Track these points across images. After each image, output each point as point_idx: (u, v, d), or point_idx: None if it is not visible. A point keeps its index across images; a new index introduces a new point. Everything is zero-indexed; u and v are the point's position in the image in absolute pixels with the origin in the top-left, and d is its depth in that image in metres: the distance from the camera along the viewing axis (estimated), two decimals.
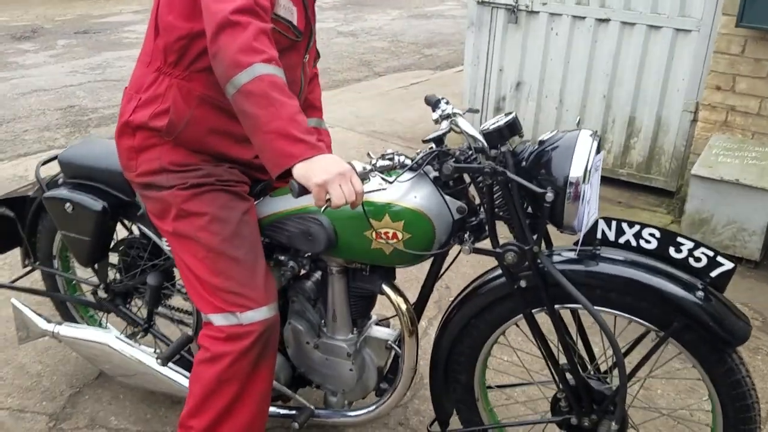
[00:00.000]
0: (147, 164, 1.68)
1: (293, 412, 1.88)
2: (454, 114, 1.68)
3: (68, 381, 2.39)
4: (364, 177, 1.43)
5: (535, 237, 1.51)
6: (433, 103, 1.76)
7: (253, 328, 1.60)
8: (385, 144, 4.78)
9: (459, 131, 1.62)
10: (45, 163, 2.18)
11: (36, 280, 2.57)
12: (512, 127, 1.49)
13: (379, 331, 1.89)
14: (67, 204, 1.97)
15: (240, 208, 1.67)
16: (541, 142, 1.51)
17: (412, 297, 1.79)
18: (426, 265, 1.74)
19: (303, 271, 1.86)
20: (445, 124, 1.67)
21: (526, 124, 4.43)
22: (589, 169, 1.42)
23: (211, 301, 1.63)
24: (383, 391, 1.90)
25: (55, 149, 4.72)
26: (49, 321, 2.17)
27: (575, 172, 1.41)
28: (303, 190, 1.38)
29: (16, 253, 2.37)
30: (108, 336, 2.05)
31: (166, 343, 2.11)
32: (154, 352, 2.04)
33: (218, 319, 1.62)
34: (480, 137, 1.58)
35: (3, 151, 4.69)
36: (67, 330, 2.12)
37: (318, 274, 1.87)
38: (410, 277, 2.65)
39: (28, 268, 2.35)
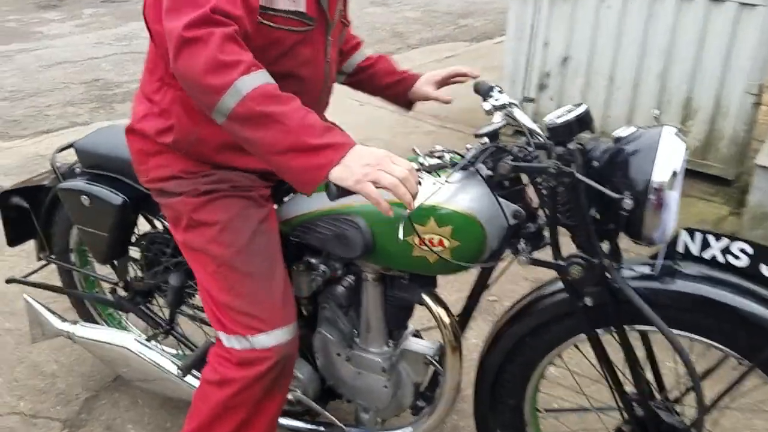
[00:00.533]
0: (157, 170, 1.52)
1: (321, 429, 1.72)
2: (510, 104, 1.47)
3: (84, 383, 2.26)
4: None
5: (603, 249, 1.30)
6: (485, 92, 1.55)
7: (266, 354, 1.44)
8: (418, 123, 4.54)
9: (516, 124, 1.41)
10: (61, 150, 2.02)
11: (48, 273, 2.45)
12: (583, 122, 1.28)
13: (417, 344, 1.70)
14: (84, 197, 1.81)
15: (256, 217, 1.48)
16: (617, 140, 1.29)
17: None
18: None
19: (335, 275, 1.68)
20: (498, 116, 1.46)
21: (573, 103, 4.15)
22: (675, 173, 1.20)
23: (220, 320, 1.46)
24: (420, 409, 1.73)
25: (78, 125, 4.59)
26: (63, 320, 2.04)
27: (660, 176, 1.20)
28: (342, 192, 1.19)
29: (32, 244, 2.24)
30: (127, 338, 1.91)
31: (189, 347, 1.97)
32: (176, 355, 1.89)
33: (229, 341, 1.46)
34: (539, 131, 1.37)
35: (25, 127, 4.56)
36: (83, 330, 1.99)
37: (351, 279, 1.69)
38: (448, 279, 2.45)
39: (43, 262, 2.22)
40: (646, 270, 1.36)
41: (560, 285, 1.43)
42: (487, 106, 1.51)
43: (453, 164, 1.34)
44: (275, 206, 1.60)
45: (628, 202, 1.21)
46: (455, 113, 4.40)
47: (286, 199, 1.63)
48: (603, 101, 3.96)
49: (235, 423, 1.48)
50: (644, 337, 1.46)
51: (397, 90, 1.78)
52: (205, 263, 1.47)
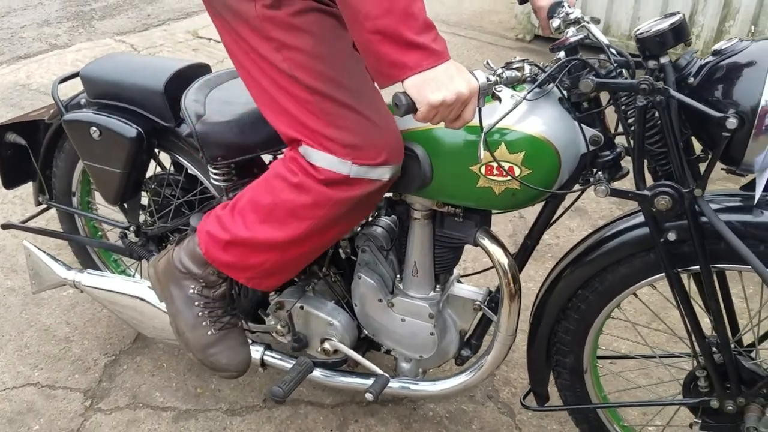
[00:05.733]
0: None
1: (367, 381, 1.59)
2: (583, 20, 1.33)
3: (101, 347, 2.08)
4: (487, 92, 1.09)
5: (695, 177, 1.18)
6: (551, 8, 1.41)
7: (360, 184, 1.25)
8: None
9: (594, 41, 1.27)
10: (64, 80, 1.83)
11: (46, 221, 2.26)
12: (678, 32, 1.13)
13: (464, 290, 1.58)
14: (93, 128, 1.63)
15: (347, 37, 1.22)
16: (715, 53, 1.16)
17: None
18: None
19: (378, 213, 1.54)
20: (572, 31, 1.32)
21: (600, 2, 3.99)
22: None
23: (317, 139, 1.24)
24: (465, 358, 1.61)
25: (58, 48, 4.27)
26: (69, 268, 1.87)
27: None
28: (412, 107, 1.05)
29: (28, 188, 2.05)
30: (140, 287, 1.75)
31: None
32: None
33: (319, 158, 1.25)
34: (613, 49, 1.23)
35: (0, 52, 4.24)
36: (91, 279, 1.82)
37: (391, 219, 1.55)
38: None
39: (43, 206, 2.04)
40: (735, 201, 1.24)
41: (637, 219, 1.31)
42: (555, 22, 1.37)
43: (533, 79, 1.20)
44: None
45: (732, 121, 1.08)
46: (467, 18, 4.16)
47: None
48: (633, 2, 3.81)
49: (292, 229, 1.32)
50: (721, 279, 1.35)
51: None
52: (292, 94, 1.23)
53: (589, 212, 2.70)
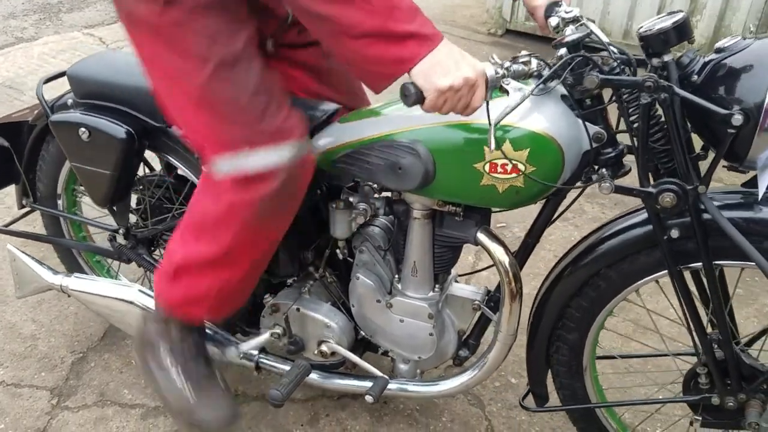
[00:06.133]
0: None
1: (365, 382, 1.57)
2: (582, 18, 1.33)
3: (68, 344, 2.04)
4: (495, 85, 1.09)
5: (698, 174, 1.19)
6: (548, 7, 1.41)
7: (268, 174, 1.23)
8: None
9: (593, 40, 1.27)
10: (49, 80, 1.78)
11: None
12: (681, 30, 1.14)
13: (463, 289, 1.57)
14: (82, 129, 1.59)
15: (244, 32, 1.22)
16: (718, 51, 1.17)
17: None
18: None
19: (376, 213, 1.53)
20: (570, 30, 1.31)
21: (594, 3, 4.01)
22: None
23: (206, 144, 1.26)
24: (463, 358, 1.60)
25: (24, 42, 4.17)
26: (55, 272, 1.82)
27: None
28: (420, 96, 1.04)
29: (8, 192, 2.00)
30: (130, 290, 1.71)
31: None
32: None
33: (221, 164, 1.25)
34: (613, 47, 1.24)
35: None
36: (79, 283, 1.77)
37: (388, 219, 1.54)
38: None
39: (27, 209, 1.98)
40: (738, 198, 1.25)
41: (639, 217, 1.31)
42: (554, 21, 1.36)
43: (539, 74, 1.19)
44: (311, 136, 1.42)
45: (738, 118, 1.09)
46: (439, 13, 4.15)
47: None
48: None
49: (222, 239, 1.31)
50: (721, 276, 1.36)
51: None
52: (183, 89, 1.23)
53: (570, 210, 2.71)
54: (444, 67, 1.01)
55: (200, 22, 1.18)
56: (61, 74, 1.73)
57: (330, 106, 1.49)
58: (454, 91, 1.04)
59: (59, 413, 1.80)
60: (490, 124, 1.11)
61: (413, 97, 1.03)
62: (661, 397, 1.70)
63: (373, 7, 0.98)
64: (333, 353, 1.59)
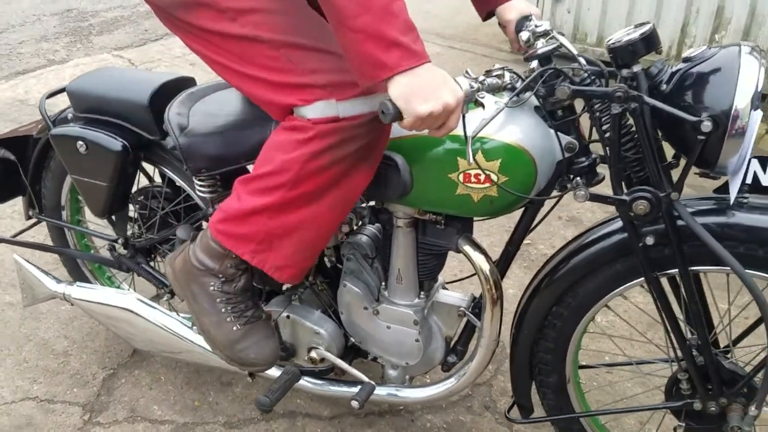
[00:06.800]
0: None
1: (354, 389, 1.60)
2: (552, 31, 1.35)
3: (100, 360, 2.08)
4: (470, 99, 1.11)
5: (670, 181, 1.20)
6: (518, 22, 1.42)
7: (355, 119, 1.21)
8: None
9: (566, 52, 1.29)
10: (51, 95, 1.85)
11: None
12: (649, 41, 1.15)
13: (449, 296, 1.59)
14: (80, 143, 1.65)
15: None
16: (686, 60, 1.18)
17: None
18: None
19: (359, 224, 1.56)
20: (541, 43, 1.33)
21: (592, 15, 4.02)
22: (756, 94, 1.10)
23: (292, 98, 1.23)
24: (451, 364, 1.63)
25: (56, 64, 4.29)
26: (59, 281, 1.88)
27: (742, 96, 1.08)
28: (399, 116, 1.06)
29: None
30: (129, 298, 1.76)
31: None
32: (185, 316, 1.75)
33: (308, 111, 1.22)
34: (582, 59, 1.26)
35: None
36: (81, 292, 1.83)
37: (375, 228, 1.57)
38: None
39: (33, 221, 2.05)
40: (711, 204, 1.25)
41: (615, 225, 1.33)
42: (525, 35, 1.37)
43: (513, 87, 1.21)
44: None
45: (707, 124, 1.10)
46: (462, 31, 4.18)
47: None
48: (626, 12, 3.83)
49: (310, 184, 1.27)
50: (697, 280, 1.36)
51: None
52: (260, 62, 1.22)
53: (584, 222, 2.72)
54: (425, 92, 1.04)
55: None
56: (62, 90, 1.80)
57: None
58: (432, 117, 1.06)
59: (91, 429, 1.84)
60: (466, 137, 1.14)
61: (390, 116, 1.05)
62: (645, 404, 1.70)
63: (372, 6, 1.02)
64: (323, 360, 1.62)
